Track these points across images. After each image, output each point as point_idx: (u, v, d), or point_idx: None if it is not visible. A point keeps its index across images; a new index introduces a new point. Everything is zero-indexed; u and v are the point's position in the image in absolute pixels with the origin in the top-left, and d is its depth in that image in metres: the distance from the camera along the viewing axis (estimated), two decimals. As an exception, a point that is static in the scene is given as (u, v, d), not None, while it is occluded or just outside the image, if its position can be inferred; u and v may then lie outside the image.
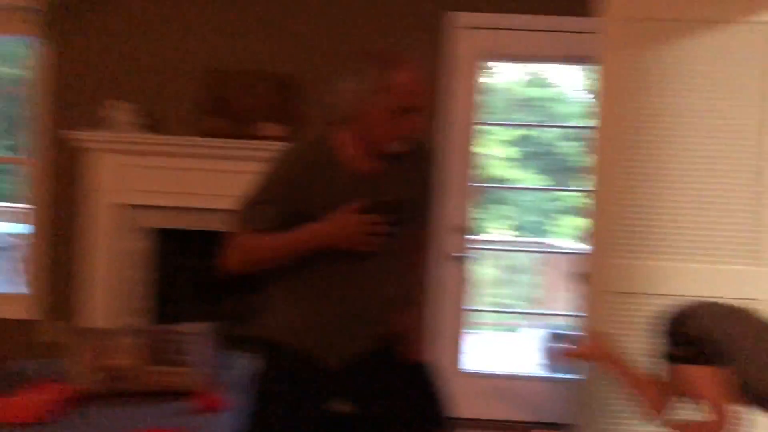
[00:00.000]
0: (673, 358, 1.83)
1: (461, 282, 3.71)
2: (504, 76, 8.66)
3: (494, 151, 6.57)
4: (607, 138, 2.74)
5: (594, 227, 2.74)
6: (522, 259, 5.51)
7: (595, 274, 2.70)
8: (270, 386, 1.85)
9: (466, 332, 3.81)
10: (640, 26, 2.74)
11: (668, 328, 1.85)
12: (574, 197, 4.44)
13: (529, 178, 6.86)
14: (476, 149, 3.68)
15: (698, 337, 1.79)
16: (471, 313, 3.80)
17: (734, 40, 2.79)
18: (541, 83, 7.37)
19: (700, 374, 1.78)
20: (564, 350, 1.97)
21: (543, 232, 7.01)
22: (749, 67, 2.80)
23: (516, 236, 7.18)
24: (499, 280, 6.47)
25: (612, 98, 2.74)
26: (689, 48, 2.77)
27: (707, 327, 1.81)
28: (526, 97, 7.09)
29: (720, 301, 1.96)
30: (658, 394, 1.91)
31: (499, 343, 4.13)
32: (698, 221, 2.82)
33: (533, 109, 6.85)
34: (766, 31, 2.79)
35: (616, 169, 2.75)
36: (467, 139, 3.61)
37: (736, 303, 1.97)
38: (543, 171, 7.02)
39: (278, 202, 1.77)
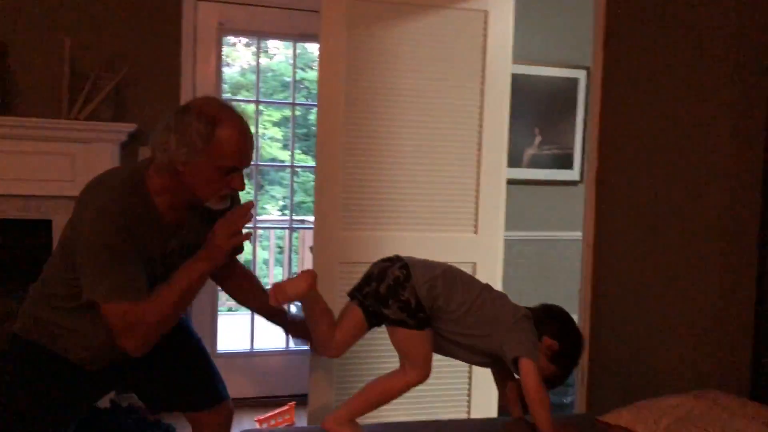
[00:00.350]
0: (387, 319, 1.83)
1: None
2: (276, 57, 8.67)
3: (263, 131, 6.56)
4: (326, 115, 2.79)
5: (317, 201, 2.79)
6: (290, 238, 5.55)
7: (320, 246, 2.77)
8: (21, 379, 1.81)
9: (221, 314, 3.77)
10: (361, 6, 2.81)
11: (386, 291, 1.82)
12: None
13: (298, 158, 6.93)
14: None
15: (413, 304, 1.80)
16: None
17: (452, 25, 2.97)
18: (310, 63, 7.46)
19: (409, 336, 1.82)
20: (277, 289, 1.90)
21: (309, 210, 7.16)
22: (468, 50, 3.02)
23: (281, 216, 7.24)
24: (268, 261, 6.51)
25: (332, 77, 2.78)
26: (409, 30, 2.90)
27: (424, 294, 1.82)
28: (299, 78, 7.16)
29: (433, 261, 1.96)
30: (343, 337, 1.92)
31: (258, 322, 4.16)
32: (423, 194, 2.99)
33: (300, 90, 6.93)
34: (480, 17, 3.04)
35: (338, 146, 2.81)
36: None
37: (450, 264, 2.00)
38: (308, 151, 7.13)
39: (133, 260, 1.67)
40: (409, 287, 1.80)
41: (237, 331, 4.19)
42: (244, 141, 1.70)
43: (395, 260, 1.90)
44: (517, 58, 3.27)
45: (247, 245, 4.15)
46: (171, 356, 1.96)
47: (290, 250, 4.75)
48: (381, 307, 1.82)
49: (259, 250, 6.19)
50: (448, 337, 1.90)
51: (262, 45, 6.78)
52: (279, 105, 8.37)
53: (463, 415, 2.99)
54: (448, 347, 1.93)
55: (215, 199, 1.73)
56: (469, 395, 3.02)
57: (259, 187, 5.18)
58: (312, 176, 7.67)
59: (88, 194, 1.71)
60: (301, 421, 3.31)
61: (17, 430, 1.79)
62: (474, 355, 1.94)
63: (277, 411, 3.22)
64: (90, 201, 1.68)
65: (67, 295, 1.76)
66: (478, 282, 1.97)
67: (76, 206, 1.73)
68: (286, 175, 7.16)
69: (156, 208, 1.72)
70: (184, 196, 1.73)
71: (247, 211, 1.77)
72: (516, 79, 3.40)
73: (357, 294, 1.90)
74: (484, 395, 3.00)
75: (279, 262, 6.42)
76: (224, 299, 4.90)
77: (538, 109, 4.02)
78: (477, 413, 2.99)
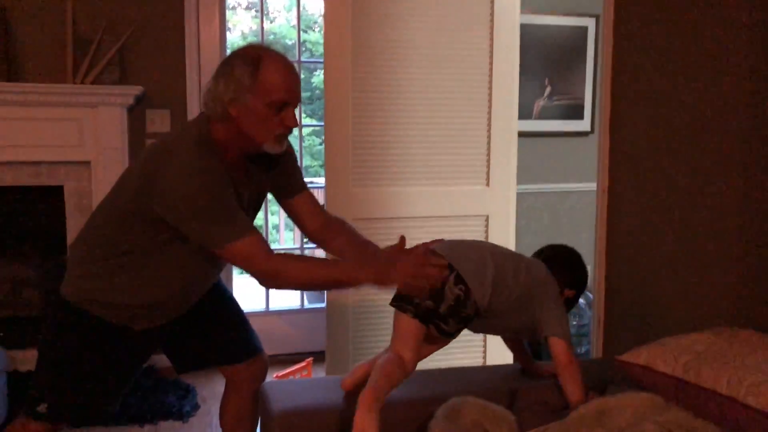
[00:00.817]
0: (442, 332, 1.76)
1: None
2: (277, 20, 8.57)
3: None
4: (334, 71, 2.76)
5: (327, 158, 2.78)
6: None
7: (332, 203, 2.75)
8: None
9: (236, 275, 3.79)
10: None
11: (447, 311, 1.73)
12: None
13: (303, 121, 6.90)
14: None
15: (473, 315, 1.75)
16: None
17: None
18: (311, 25, 7.37)
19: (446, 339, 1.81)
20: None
21: (316, 174, 7.16)
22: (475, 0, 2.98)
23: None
24: (278, 225, 6.53)
25: (338, 31, 2.75)
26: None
27: (485, 305, 1.75)
28: (303, 40, 7.07)
29: (473, 249, 1.84)
30: (422, 353, 1.81)
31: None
32: (434, 148, 2.98)
33: (302, 52, 6.86)
34: (487, -34, 2.98)
35: (346, 102, 2.79)
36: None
37: (488, 247, 1.90)
38: (313, 114, 7.07)
39: (237, 205, 1.70)
40: (471, 303, 1.73)
41: (252, 291, 4.23)
42: (289, 73, 1.70)
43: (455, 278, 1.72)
44: (525, 8, 3.22)
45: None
46: (210, 311, 1.98)
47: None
48: (439, 322, 1.74)
49: (269, 215, 6.20)
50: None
51: (264, 8, 6.67)
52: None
53: (479, 362, 3.03)
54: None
55: (272, 141, 1.73)
56: (484, 342, 3.05)
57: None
58: (317, 140, 7.63)
59: (166, 157, 1.67)
60: (319, 376, 3.35)
61: (75, 395, 1.81)
62: (490, 329, 1.97)
63: (295, 367, 3.26)
64: (174, 163, 1.65)
65: (132, 250, 1.74)
66: (517, 267, 1.83)
67: (150, 165, 1.68)
68: (293, 138, 7.15)
69: (225, 162, 1.73)
70: (245, 144, 1.73)
71: (440, 273, 1.67)
72: (524, 29, 3.34)
73: (407, 305, 1.74)
74: (499, 342, 3.02)
75: (289, 227, 6.43)
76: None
77: (547, 60, 3.96)
78: (492, 360, 3.02)
